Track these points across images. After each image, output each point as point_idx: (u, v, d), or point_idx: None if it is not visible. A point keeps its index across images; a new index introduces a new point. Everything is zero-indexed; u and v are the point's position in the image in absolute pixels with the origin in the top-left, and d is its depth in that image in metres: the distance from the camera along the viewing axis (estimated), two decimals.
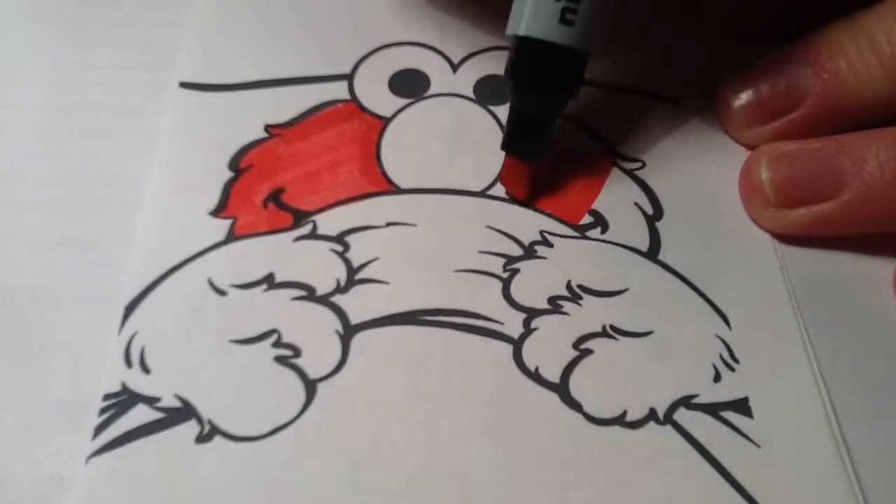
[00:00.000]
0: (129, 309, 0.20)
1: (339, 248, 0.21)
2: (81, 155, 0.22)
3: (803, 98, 0.22)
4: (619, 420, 0.19)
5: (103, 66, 0.25)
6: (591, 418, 0.19)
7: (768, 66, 0.23)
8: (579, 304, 0.20)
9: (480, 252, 0.21)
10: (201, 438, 0.18)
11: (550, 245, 0.22)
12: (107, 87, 0.24)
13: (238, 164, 0.23)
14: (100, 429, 0.18)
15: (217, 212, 0.22)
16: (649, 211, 0.22)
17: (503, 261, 0.21)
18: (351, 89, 0.24)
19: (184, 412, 0.18)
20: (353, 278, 0.21)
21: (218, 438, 0.18)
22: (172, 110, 0.24)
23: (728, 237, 0.22)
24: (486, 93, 0.25)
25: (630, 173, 0.23)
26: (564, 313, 0.20)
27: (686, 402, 0.19)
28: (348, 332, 0.20)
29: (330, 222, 0.22)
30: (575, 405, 0.19)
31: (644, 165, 0.23)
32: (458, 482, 0.18)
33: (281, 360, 0.19)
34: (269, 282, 0.20)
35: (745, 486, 0.18)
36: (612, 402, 0.19)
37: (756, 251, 0.22)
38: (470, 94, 0.25)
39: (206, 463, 0.18)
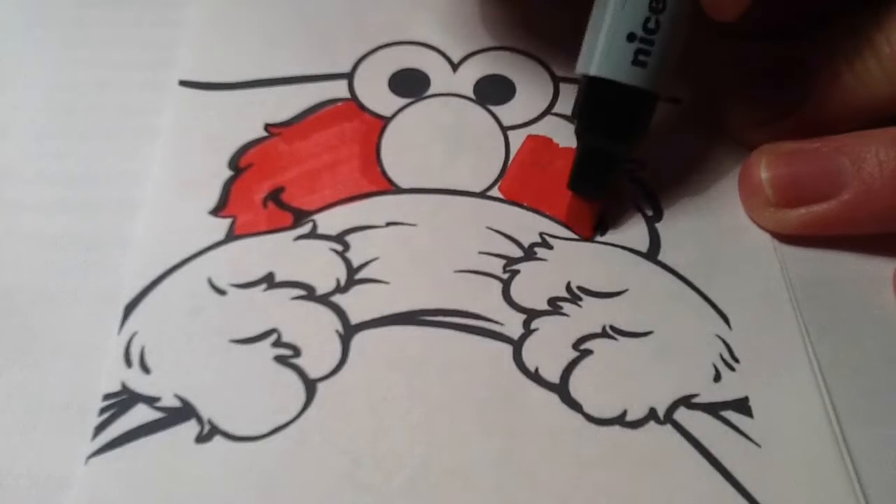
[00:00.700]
0: (129, 309, 0.20)
1: (339, 247, 0.21)
2: (81, 155, 0.22)
3: (804, 99, 0.22)
4: (619, 420, 0.19)
5: (103, 65, 0.25)
6: (591, 418, 0.19)
7: (769, 67, 0.23)
8: (579, 305, 0.20)
9: (480, 253, 0.21)
10: (201, 438, 0.18)
11: (550, 246, 0.22)
12: (107, 87, 0.24)
13: (238, 163, 0.23)
14: (100, 429, 0.18)
15: (217, 211, 0.22)
16: (649, 211, 0.22)
17: (503, 262, 0.21)
18: (351, 88, 0.24)
19: (184, 412, 0.18)
20: (353, 278, 0.21)
21: (218, 438, 0.18)
22: (172, 109, 0.24)
23: (728, 237, 0.22)
24: (486, 92, 0.25)
25: (630, 173, 0.23)
26: (564, 314, 0.20)
27: (686, 401, 0.19)
28: (348, 331, 0.20)
29: (330, 222, 0.22)
30: (575, 405, 0.19)
31: (644, 165, 0.23)
32: (458, 482, 0.18)
33: (281, 359, 0.19)
34: (269, 281, 0.20)
35: (745, 486, 0.18)
36: (612, 402, 0.19)
37: (756, 251, 0.22)
38: (470, 93, 0.25)
39: (206, 463, 0.18)
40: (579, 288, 0.21)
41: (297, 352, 0.19)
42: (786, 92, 0.23)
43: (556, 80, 0.25)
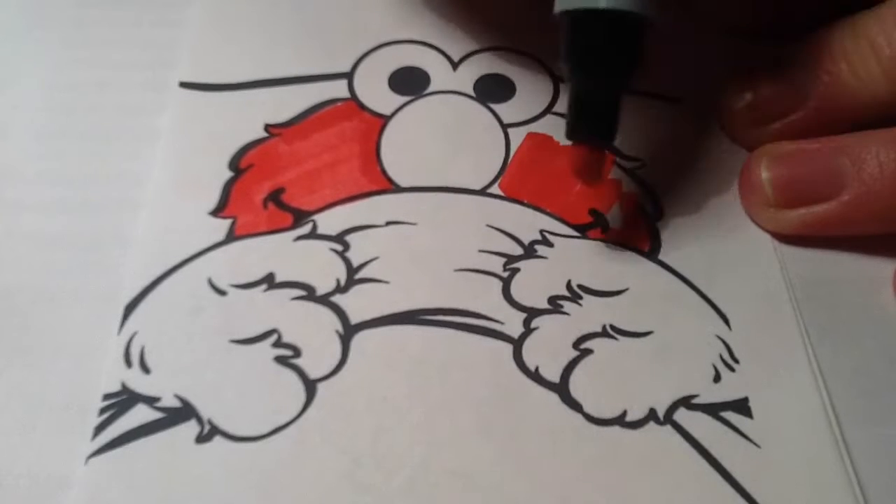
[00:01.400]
0: (129, 309, 0.20)
1: (339, 247, 0.21)
2: (81, 155, 0.22)
3: (804, 99, 0.22)
4: (619, 420, 0.19)
5: (103, 65, 0.25)
6: (591, 418, 0.19)
7: (769, 67, 0.23)
8: (579, 304, 0.20)
9: (480, 251, 0.21)
10: (201, 438, 0.18)
11: (551, 245, 0.22)
12: (107, 87, 0.24)
13: (238, 164, 0.23)
14: (100, 429, 0.18)
15: (217, 211, 0.22)
16: (649, 211, 0.22)
17: (503, 260, 0.21)
18: (350, 88, 0.24)
19: (184, 412, 0.18)
20: (353, 278, 0.21)
21: (218, 438, 0.18)
22: (173, 110, 0.24)
23: (728, 237, 0.22)
24: (486, 91, 0.25)
25: (630, 173, 0.23)
26: (565, 313, 0.20)
27: (686, 402, 0.19)
28: (348, 331, 0.20)
29: (330, 221, 0.22)
30: (575, 405, 0.19)
31: (644, 165, 0.23)
32: (458, 482, 0.18)
33: (281, 360, 0.19)
34: (269, 282, 0.20)
35: (745, 486, 0.18)
36: (612, 402, 0.19)
37: (756, 251, 0.22)
38: (470, 91, 0.25)
39: (206, 463, 0.18)
40: (580, 286, 0.21)
41: (297, 352, 0.19)
42: (786, 92, 0.23)
43: (556, 80, 0.25)
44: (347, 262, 0.21)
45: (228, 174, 0.22)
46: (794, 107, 0.22)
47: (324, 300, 0.20)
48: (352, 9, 0.26)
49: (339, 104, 0.24)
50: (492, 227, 0.22)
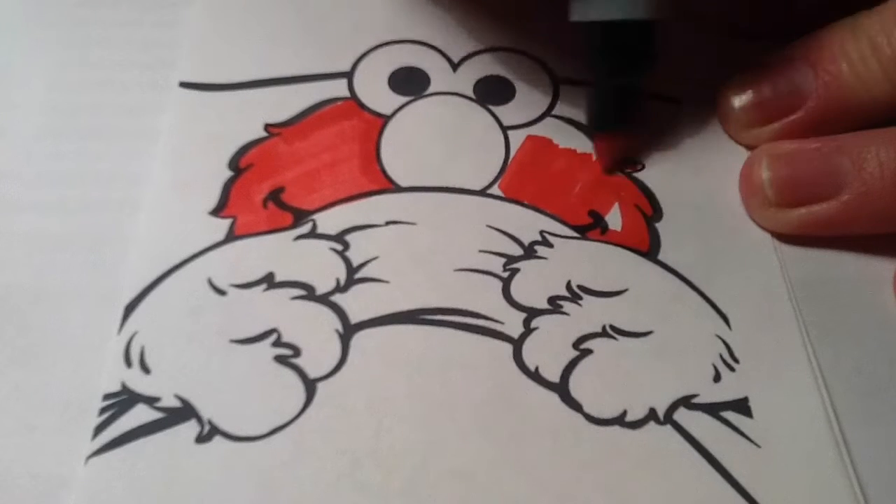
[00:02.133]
0: (129, 309, 0.20)
1: (339, 247, 0.21)
2: (81, 155, 0.22)
3: (804, 99, 0.22)
4: (619, 420, 0.19)
5: (103, 66, 0.24)
6: (591, 418, 0.19)
7: (769, 67, 0.23)
8: (579, 304, 0.20)
9: (480, 251, 0.21)
10: (201, 438, 0.18)
11: (550, 245, 0.22)
12: (107, 87, 0.24)
13: (238, 164, 0.23)
14: (100, 429, 0.18)
15: (217, 211, 0.22)
16: (649, 211, 0.22)
17: (503, 260, 0.21)
18: (350, 87, 0.24)
19: (184, 412, 0.18)
20: (353, 277, 0.21)
21: (218, 438, 0.18)
22: (172, 110, 0.24)
23: (728, 237, 0.22)
24: (486, 92, 0.25)
25: (630, 174, 0.23)
26: (564, 313, 0.20)
27: (686, 402, 0.19)
28: (348, 331, 0.20)
29: (330, 221, 0.22)
30: (575, 405, 0.19)
31: (644, 166, 0.23)
32: (458, 482, 0.18)
33: (281, 359, 0.19)
34: (269, 281, 0.20)
35: (745, 486, 0.18)
36: (612, 402, 0.19)
37: (756, 251, 0.22)
38: (470, 93, 0.25)
39: (206, 463, 0.18)
40: (579, 287, 0.21)
41: (297, 352, 0.19)
42: (786, 92, 0.23)
43: (556, 82, 0.25)
44: (347, 261, 0.21)
45: (228, 174, 0.22)
46: (795, 107, 0.22)
47: (324, 300, 0.20)
48: (352, 8, 0.26)
49: (338, 104, 0.24)
50: (492, 227, 0.22)
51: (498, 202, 0.22)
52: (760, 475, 0.18)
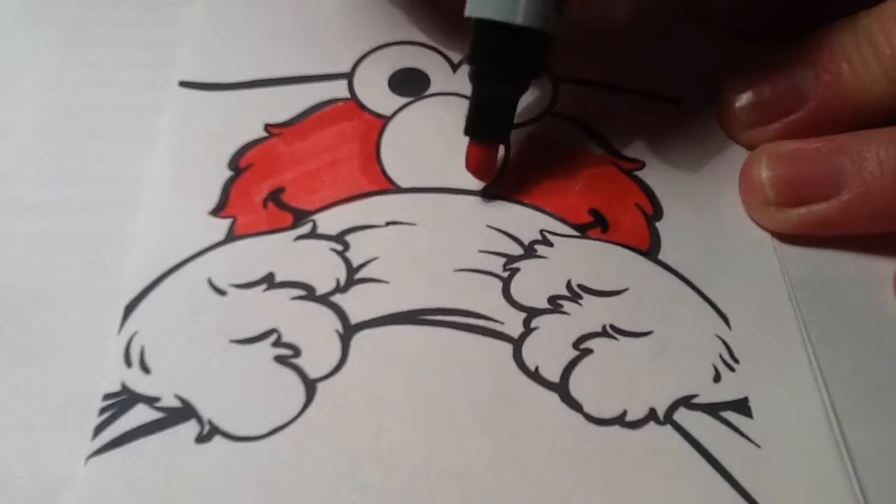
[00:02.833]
0: (129, 309, 0.20)
1: (339, 247, 0.21)
2: (81, 155, 0.22)
3: (804, 99, 0.22)
4: (619, 420, 0.19)
5: (103, 66, 0.25)
6: (591, 418, 0.19)
7: (769, 67, 0.23)
8: (579, 304, 0.20)
9: (480, 251, 0.21)
10: (201, 438, 0.18)
11: (550, 244, 0.22)
12: (107, 87, 0.24)
13: (238, 164, 0.23)
14: (100, 429, 0.18)
15: (217, 211, 0.22)
16: (649, 210, 0.22)
17: (503, 260, 0.21)
18: (350, 88, 0.24)
19: (184, 412, 0.18)
20: (353, 278, 0.21)
21: (218, 438, 0.18)
22: (172, 110, 0.24)
23: (728, 237, 0.22)
24: None
25: (630, 173, 0.23)
26: (564, 313, 0.20)
27: (686, 402, 0.19)
28: (348, 331, 0.20)
29: (330, 221, 0.22)
30: (575, 405, 0.19)
31: (644, 165, 0.23)
32: (458, 482, 0.18)
33: (281, 359, 0.19)
34: (269, 281, 0.20)
35: (745, 486, 0.18)
36: (612, 402, 0.19)
37: (756, 251, 0.22)
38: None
39: (206, 463, 0.18)
40: (580, 286, 0.21)
41: (297, 352, 0.19)
42: (786, 92, 0.23)
43: (556, 81, 0.25)
44: (347, 261, 0.21)
45: (228, 174, 0.22)
46: (794, 107, 0.22)
47: (324, 300, 0.20)
48: (352, 9, 0.26)
49: (339, 104, 0.24)
50: (492, 227, 0.22)
51: (498, 202, 0.22)
52: (760, 475, 0.18)
